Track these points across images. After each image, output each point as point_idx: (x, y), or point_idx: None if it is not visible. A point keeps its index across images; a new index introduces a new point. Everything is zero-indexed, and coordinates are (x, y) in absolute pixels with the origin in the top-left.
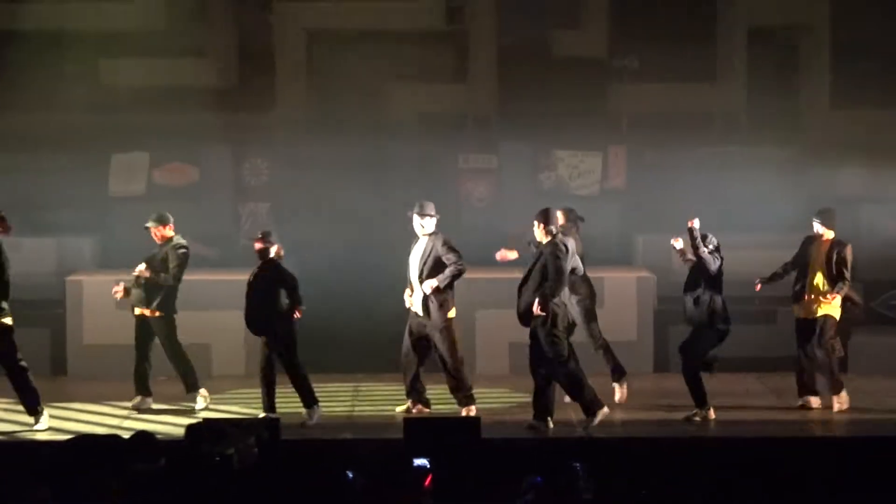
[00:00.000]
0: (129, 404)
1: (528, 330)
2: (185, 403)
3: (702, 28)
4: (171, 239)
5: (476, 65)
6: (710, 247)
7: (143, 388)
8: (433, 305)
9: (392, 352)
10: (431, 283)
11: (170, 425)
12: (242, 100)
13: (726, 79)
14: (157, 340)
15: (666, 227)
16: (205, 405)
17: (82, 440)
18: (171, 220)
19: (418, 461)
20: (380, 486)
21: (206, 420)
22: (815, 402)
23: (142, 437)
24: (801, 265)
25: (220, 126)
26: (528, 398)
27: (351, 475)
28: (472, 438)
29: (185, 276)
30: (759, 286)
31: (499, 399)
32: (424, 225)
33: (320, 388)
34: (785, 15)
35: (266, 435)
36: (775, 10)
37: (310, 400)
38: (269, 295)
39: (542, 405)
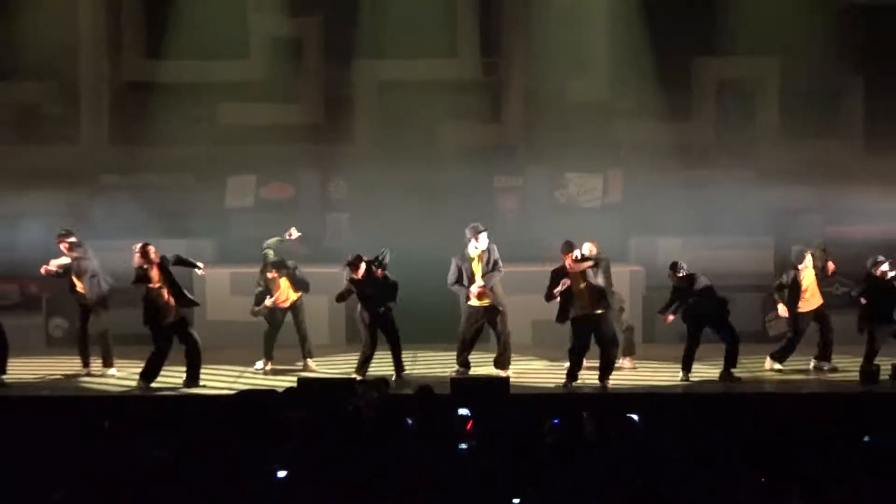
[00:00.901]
0: (242, 367)
1: (547, 310)
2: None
3: (681, 79)
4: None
5: (507, 107)
6: None
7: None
8: (497, 295)
9: (438, 327)
10: (494, 277)
11: (277, 383)
12: (328, 135)
13: (700, 118)
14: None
15: (652, 232)
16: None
17: (248, 393)
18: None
19: (462, 410)
20: (433, 429)
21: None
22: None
23: (292, 391)
24: None
25: (311, 155)
26: (547, 364)
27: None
28: (503, 393)
29: None
30: None
31: (525, 364)
32: (480, 238)
33: (383, 356)
34: (745, 70)
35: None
36: (738, 66)
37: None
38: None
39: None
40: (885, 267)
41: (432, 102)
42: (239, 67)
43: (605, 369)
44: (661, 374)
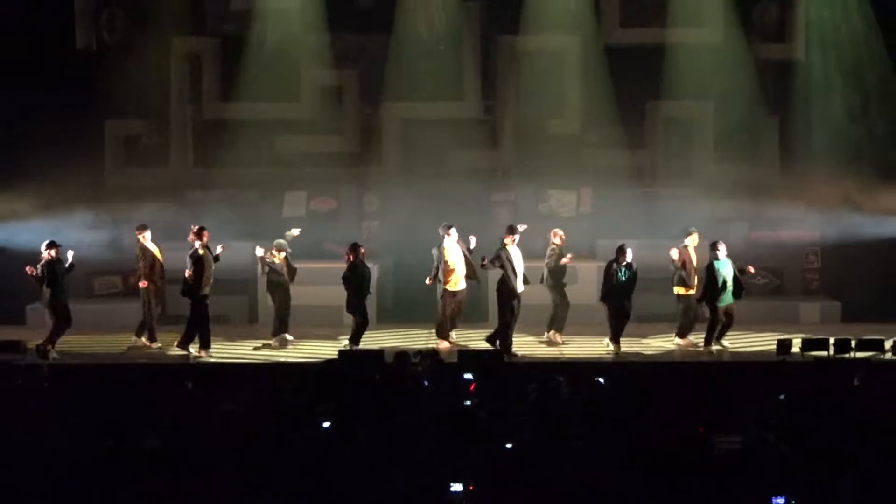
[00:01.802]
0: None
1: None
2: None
3: (637, 117)
4: None
5: (501, 139)
6: None
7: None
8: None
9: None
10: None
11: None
12: (363, 159)
13: (651, 147)
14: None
15: (615, 235)
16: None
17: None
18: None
19: (467, 375)
20: (441, 389)
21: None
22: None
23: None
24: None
25: (350, 175)
26: (530, 339)
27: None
28: (499, 362)
29: (332, 265)
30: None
31: (515, 339)
32: (451, 233)
33: (406, 332)
34: (686, 111)
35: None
36: (680, 108)
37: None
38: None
39: None
40: None
41: (443, 135)
42: (293, 108)
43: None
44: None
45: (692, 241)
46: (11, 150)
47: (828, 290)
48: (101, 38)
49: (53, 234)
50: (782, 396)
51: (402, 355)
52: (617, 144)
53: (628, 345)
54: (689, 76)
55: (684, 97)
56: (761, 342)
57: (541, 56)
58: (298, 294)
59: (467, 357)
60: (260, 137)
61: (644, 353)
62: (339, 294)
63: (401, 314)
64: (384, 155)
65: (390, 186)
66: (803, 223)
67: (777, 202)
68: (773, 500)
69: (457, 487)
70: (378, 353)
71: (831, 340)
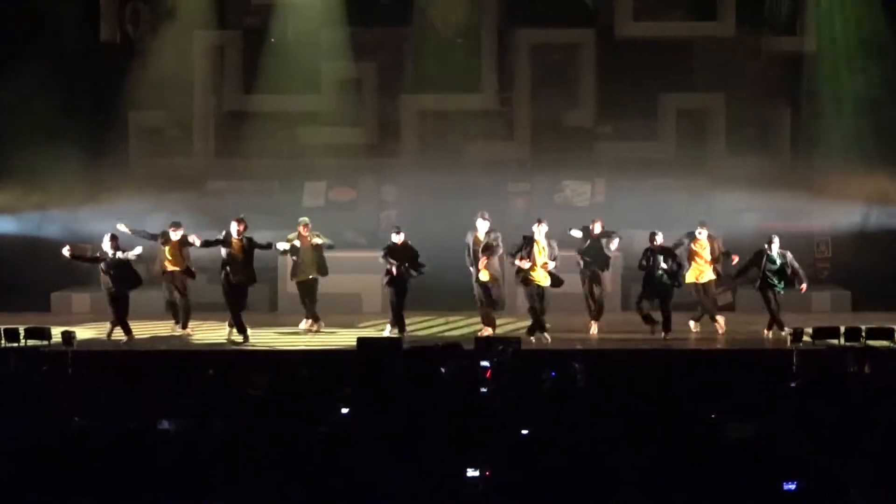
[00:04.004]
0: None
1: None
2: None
3: (650, 110)
4: None
5: (518, 131)
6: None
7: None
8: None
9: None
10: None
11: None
12: (381, 150)
13: (664, 140)
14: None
15: (628, 226)
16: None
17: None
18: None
19: (483, 362)
20: (460, 375)
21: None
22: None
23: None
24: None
25: (368, 166)
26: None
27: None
28: (515, 349)
29: (350, 253)
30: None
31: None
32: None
33: (424, 318)
34: (698, 103)
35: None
36: (693, 100)
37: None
38: None
39: None
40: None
41: (461, 127)
42: (313, 100)
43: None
44: (637, 335)
45: (702, 234)
46: (36, 142)
47: (838, 279)
48: (125, 31)
49: (78, 224)
50: (794, 384)
51: (485, 341)
52: (630, 136)
53: (643, 333)
54: (702, 69)
55: (697, 89)
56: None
57: (556, 49)
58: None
59: (484, 344)
60: (280, 129)
61: (658, 339)
62: (356, 282)
63: (419, 302)
64: (402, 146)
65: (408, 177)
66: (814, 213)
67: (788, 193)
68: (785, 486)
69: (473, 473)
70: (396, 342)
71: (842, 329)
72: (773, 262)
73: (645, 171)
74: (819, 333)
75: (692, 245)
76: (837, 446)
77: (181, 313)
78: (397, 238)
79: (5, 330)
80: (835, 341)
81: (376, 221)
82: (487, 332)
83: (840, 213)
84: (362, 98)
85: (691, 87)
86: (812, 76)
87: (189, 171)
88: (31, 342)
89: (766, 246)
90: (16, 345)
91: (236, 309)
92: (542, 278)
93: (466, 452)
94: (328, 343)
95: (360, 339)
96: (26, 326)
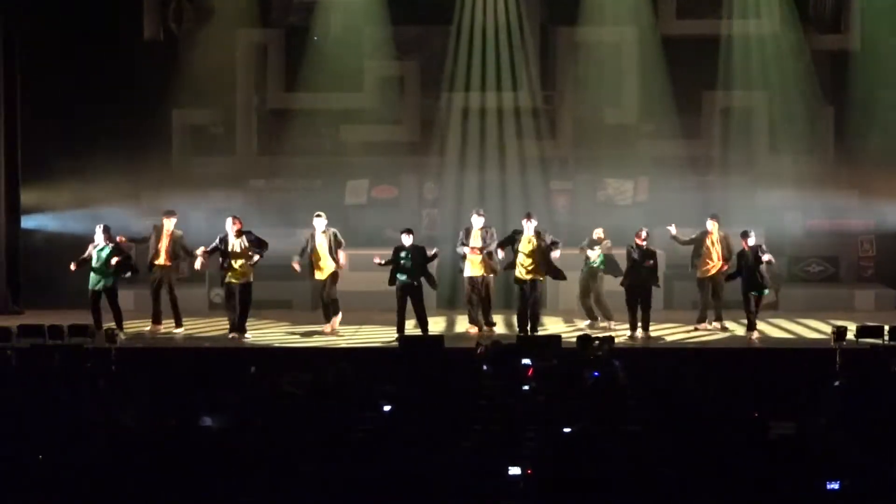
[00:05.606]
0: (356, 326)
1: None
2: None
3: (693, 107)
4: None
5: (560, 129)
6: None
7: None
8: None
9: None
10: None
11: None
12: (423, 148)
13: (707, 137)
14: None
15: (669, 222)
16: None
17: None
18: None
19: (525, 360)
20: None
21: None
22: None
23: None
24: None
25: (410, 164)
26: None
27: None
28: (556, 347)
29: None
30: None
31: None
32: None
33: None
34: (742, 100)
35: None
36: (736, 98)
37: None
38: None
39: None
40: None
41: (502, 125)
42: (356, 98)
43: None
44: (678, 334)
45: (713, 227)
46: (80, 140)
47: (882, 277)
48: (169, 28)
49: (120, 222)
50: (837, 383)
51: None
52: (673, 134)
53: (682, 333)
54: (745, 66)
55: (740, 87)
56: (816, 329)
57: (598, 47)
58: (358, 280)
59: (526, 343)
60: (323, 126)
61: (701, 338)
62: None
63: (459, 300)
64: (444, 144)
65: (450, 175)
66: (858, 212)
67: (832, 191)
68: (828, 486)
69: (515, 471)
70: (438, 339)
71: (886, 328)
72: (748, 261)
73: (688, 169)
74: (862, 332)
75: (705, 239)
76: (881, 446)
77: (173, 311)
78: (407, 240)
79: (49, 327)
80: (878, 340)
81: (419, 219)
82: (473, 330)
83: (884, 212)
84: (404, 96)
85: (735, 84)
86: (856, 74)
87: (231, 170)
88: (74, 339)
89: (744, 244)
90: (60, 342)
91: (245, 309)
92: (522, 273)
93: (508, 450)
94: (370, 341)
95: (401, 337)
96: (70, 324)
